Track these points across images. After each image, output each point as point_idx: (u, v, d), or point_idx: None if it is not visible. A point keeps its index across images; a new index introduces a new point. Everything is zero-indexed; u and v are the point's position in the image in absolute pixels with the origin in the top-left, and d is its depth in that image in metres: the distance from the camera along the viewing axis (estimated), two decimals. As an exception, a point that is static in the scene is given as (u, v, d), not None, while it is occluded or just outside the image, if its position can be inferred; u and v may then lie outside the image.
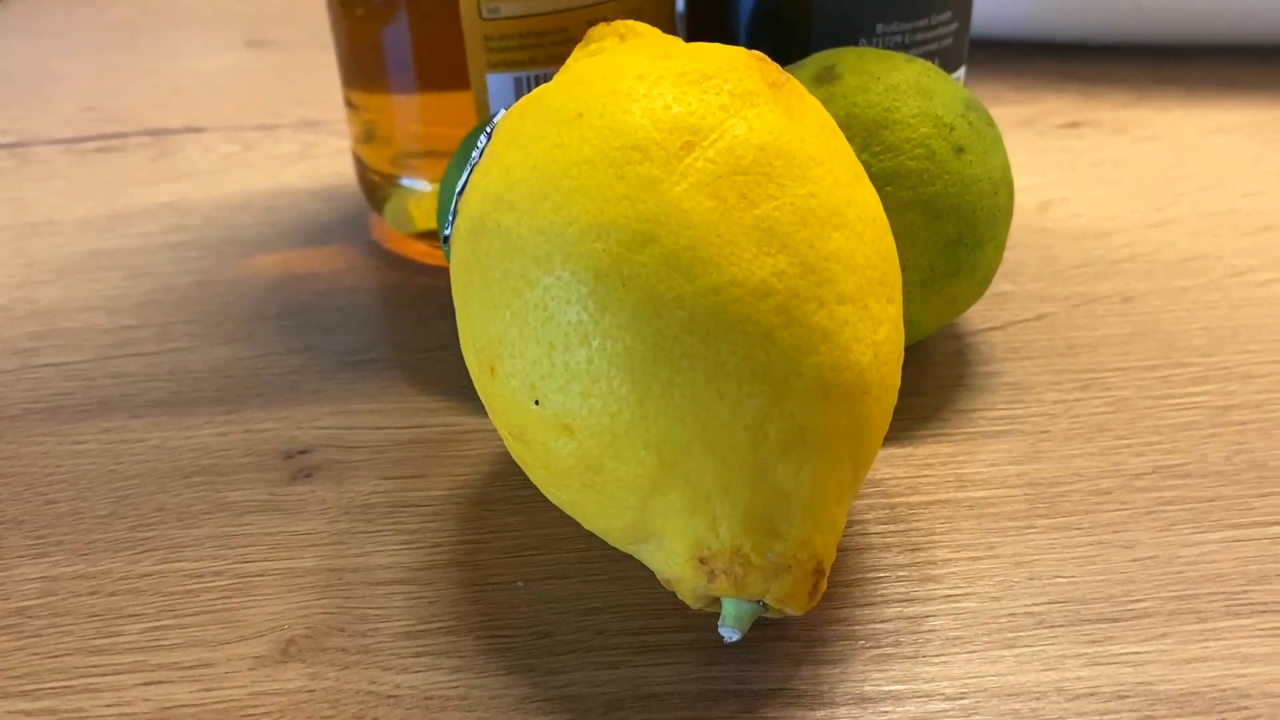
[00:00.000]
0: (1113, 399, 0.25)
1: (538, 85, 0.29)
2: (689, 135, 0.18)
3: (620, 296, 0.17)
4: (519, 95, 0.29)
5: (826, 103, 0.24)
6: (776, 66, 0.20)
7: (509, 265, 0.18)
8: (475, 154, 0.20)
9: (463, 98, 0.30)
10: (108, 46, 0.56)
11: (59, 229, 0.36)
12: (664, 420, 0.17)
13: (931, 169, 0.23)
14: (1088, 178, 0.37)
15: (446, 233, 0.21)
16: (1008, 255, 0.32)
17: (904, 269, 0.24)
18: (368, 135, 0.32)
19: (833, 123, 0.20)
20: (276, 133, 0.44)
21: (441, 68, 0.30)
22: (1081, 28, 0.47)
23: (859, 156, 0.24)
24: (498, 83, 0.29)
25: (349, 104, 0.33)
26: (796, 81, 0.20)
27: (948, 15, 0.30)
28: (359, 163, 0.33)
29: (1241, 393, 0.25)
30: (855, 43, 0.29)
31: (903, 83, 0.24)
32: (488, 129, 0.21)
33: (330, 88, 0.48)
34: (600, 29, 0.22)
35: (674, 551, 0.18)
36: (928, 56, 0.30)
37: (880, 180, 0.23)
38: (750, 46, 0.30)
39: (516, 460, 0.20)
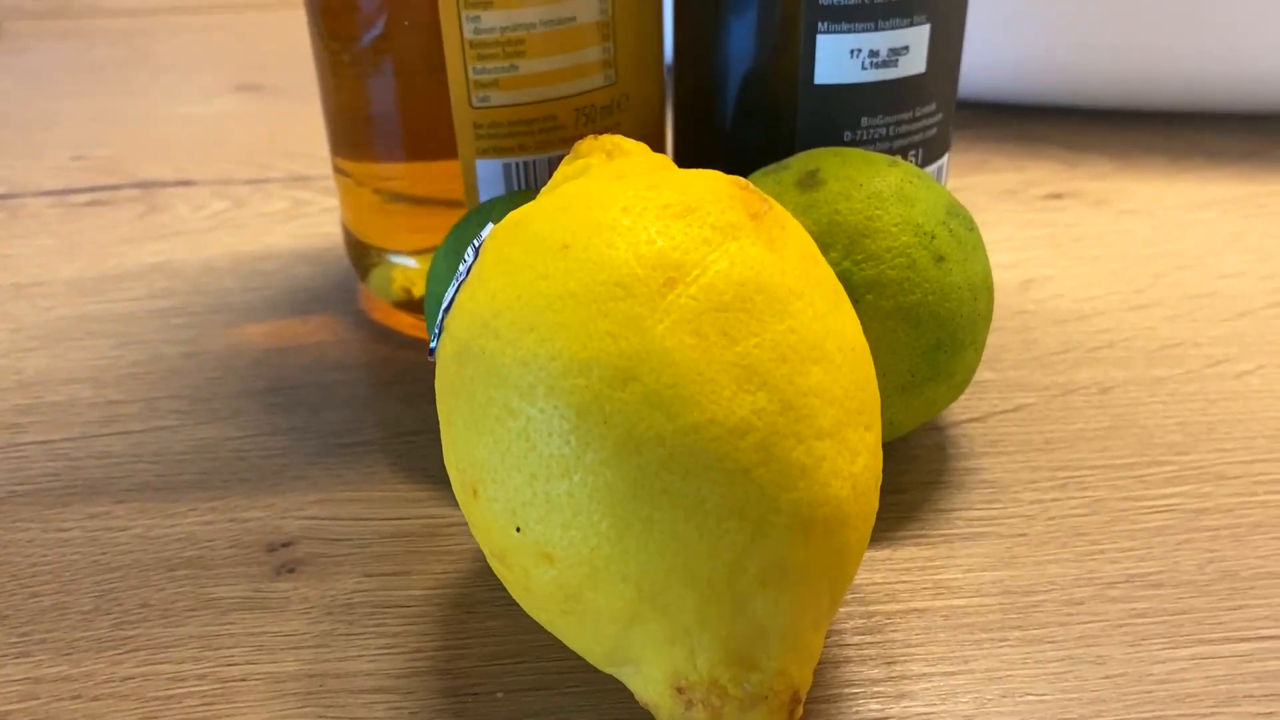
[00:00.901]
0: (1089, 500, 0.26)
1: (526, 172, 0.29)
2: (672, 271, 0.18)
3: (601, 433, 0.17)
4: (507, 182, 0.30)
5: (809, 208, 0.25)
6: (759, 195, 0.20)
7: (493, 393, 0.18)
8: (462, 270, 0.21)
9: (449, 167, 0.30)
10: (98, 88, 0.56)
11: (47, 291, 0.36)
12: (644, 555, 0.17)
13: (912, 278, 0.24)
14: (1069, 254, 0.37)
15: (433, 345, 0.21)
16: (989, 339, 0.32)
17: (884, 375, 0.24)
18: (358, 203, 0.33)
19: (814, 249, 0.20)
20: (266, 188, 0.44)
21: (430, 140, 0.30)
22: (1067, 92, 0.47)
23: (840, 264, 0.24)
24: (487, 168, 0.29)
25: (336, 169, 0.33)
26: (779, 207, 0.20)
27: (932, 107, 0.30)
28: (345, 229, 0.34)
29: (1215, 495, 0.26)
30: (840, 135, 0.29)
31: (885, 190, 0.25)
32: (475, 244, 0.21)
33: (320, 138, 0.48)
34: (588, 144, 0.22)
35: (652, 678, 0.18)
36: (912, 147, 0.30)
37: (862, 288, 0.24)
38: (736, 137, 0.30)
39: (498, 576, 0.20)
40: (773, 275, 0.19)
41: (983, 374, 0.31)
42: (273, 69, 0.59)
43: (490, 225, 0.21)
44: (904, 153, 0.30)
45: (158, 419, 0.30)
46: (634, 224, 0.19)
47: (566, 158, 0.22)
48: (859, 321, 0.20)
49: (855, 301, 0.24)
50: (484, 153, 0.29)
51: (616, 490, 0.17)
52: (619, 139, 0.22)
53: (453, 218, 0.31)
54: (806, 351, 0.18)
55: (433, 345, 0.21)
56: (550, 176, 0.30)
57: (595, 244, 0.18)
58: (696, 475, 0.17)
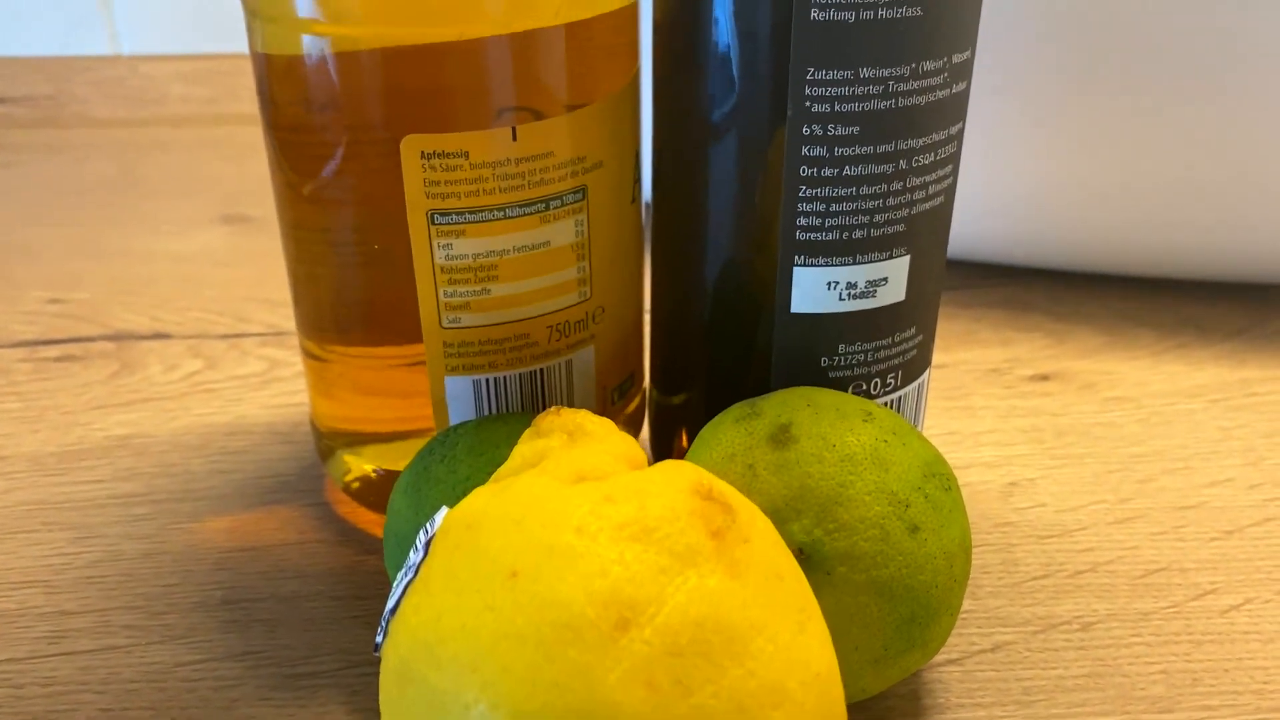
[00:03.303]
0: (1067, 771, 0.25)
1: (497, 388, 0.29)
2: (625, 610, 0.17)
3: (546, 790, 0.16)
4: (477, 398, 0.29)
5: (781, 469, 0.24)
6: (721, 506, 0.19)
7: (435, 728, 0.17)
8: (412, 561, 0.20)
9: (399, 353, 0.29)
10: (83, 215, 0.56)
11: (8, 468, 0.36)
12: None
13: (886, 550, 0.23)
14: (1054, 451, 0.36)
15: (379, 640, 0.20)
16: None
17: (856, 649, 0.23)
18: (318, 387, 0.32)
19: (780, 562, 0.19)
20: (242, 345, 0.43)
21: (400, 328, 0.29)
22: (1056, 257, 0.47)
23: (812, 533, 0.23)
24: (456, 385, 0.29)
25: (303, 350, 0.32)
26: (743, 512, 0.20)
27: (912, 330, 0.29)
28: (311, 411, 0.33)
29: (1199, 767, 0.25)
30: (817, 361, 0.29)
31: (859, 452, 0.24)
32: (425, 535, 0.20)
33: (301, 290, 0.47)
34: (549, 421, 0.21)
35: None
36: (891, 371, 0.29)
37: (833, 560, 0.23)
38: (711, 365, 0.30)
39: None
40: (732, 609, 0.18)
41: (963, 603, 0.30)
42: (260, 195, 0.58)
43: (444, 510, 0.20)
44: (883, 377, 0.29)
45: (109, 636, 0.29)
46: (587, 549, 0.18)
47: (528, 432, 0.22)
48: (827, 635, 0.20)
49: (827, 573, 0.23)
50: (453, 370, 0.29)
51: None
52: (582, 419, 0.21)
53: (404, 410, 0.30)
54: (766, 697, 0.17)
55: (379, 640, 0.20)
56: (520, 397, 0.29)
57: (545, 574, 0.18)
58: (645, 839, 0.16)
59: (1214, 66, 0.39)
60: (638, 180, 0.30)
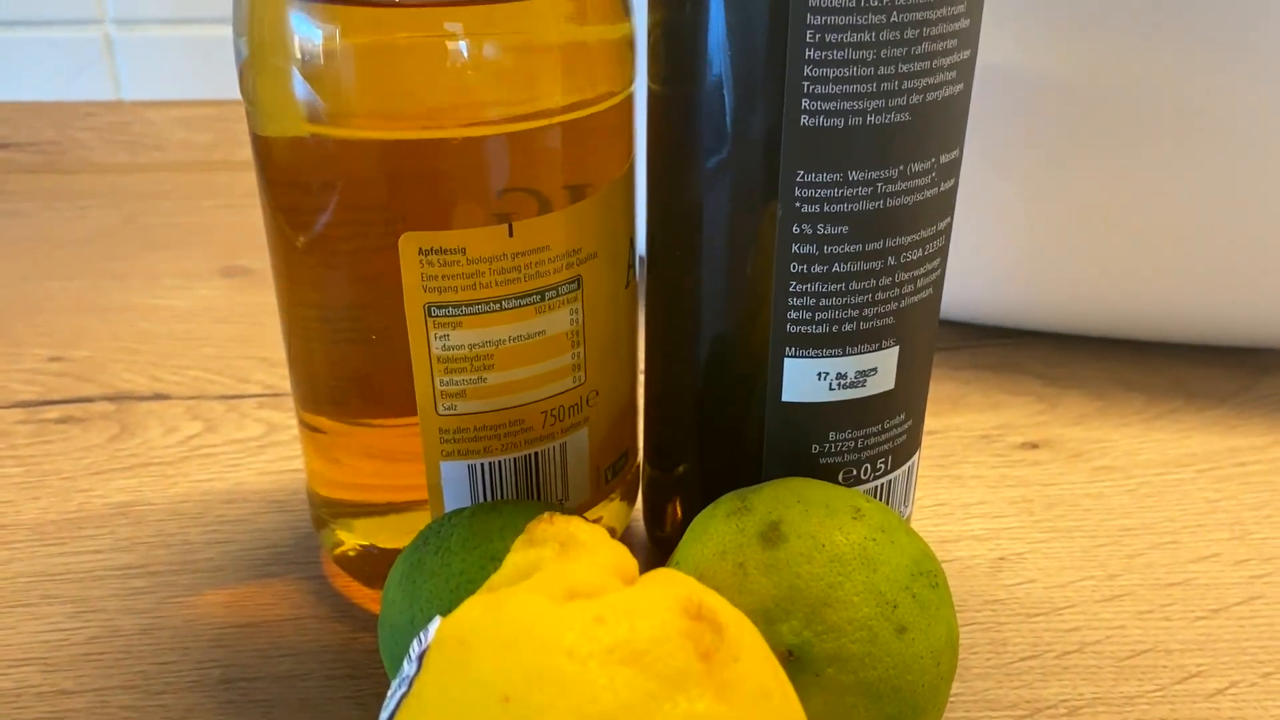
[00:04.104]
0: None
1: (492, 473, 0.29)
2: (614, 737, 0.18)
3: None
4: (472, 483, 0.29)
5: (771, 569, 0.24)
6: (710, 625, 0.20)
7: None
8: (406, 673, 0.20)
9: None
10: (85, 267, 0.56)
11: (9, 536, 0.36)
12: None
13: (874, 652, 0.23)
14: (1043, 524, 0.37)
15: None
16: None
17: (843, 748, 0.24)
18: (312, 455, 0.32)
19: (768, 680, 0.20)
20: (240, 406, 0.44)
21: (392, 402, 0.30)
22: (1047, 319, 0.48)
23: (801, 634, 0.23)
24: (451, 470, 0.29)
25: (299, 418, 0.32)
26: (732, 626, 0.20)
27: (901, 417, 0.30)
28: (307, 478, 0.33)
29: None
30: (808, 447, 0.29)
31: (848, 552, 0.24)
32: (419, 646, 0.20)
33: (299, 349, 0.48)
34: (542, 529, 0.22)
35: None
36: (881, 456, 0.30)
37: (822, 661, 0.23)
38: (704, 456, 0.30)
39: None
40: (719, 734, 0.18)
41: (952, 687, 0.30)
42: (259, 246, 0.59)
43: (438, 620, 0.21)
44: (873, 462, 0.30)
45: (107, 717, 0.29)
46: (578, 675, 0.18)
47: (521, 539, 0.22)
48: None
49: (816, 674, 0.23)
50: (449, 455, 0.29)
51: None
52: (574, 529, 0.22)
53: (395, 479, 0.31)
54: (751, 822, 0.18)
55: (375, 750, 0.21)
56: (515, 480, 0.30)
57: (537, 700, 0.18)
58: None
59: (1205, 132, 0.39)
60: (631, 265, 0.31)
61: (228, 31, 0.69)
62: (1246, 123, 0.39)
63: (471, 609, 0.20)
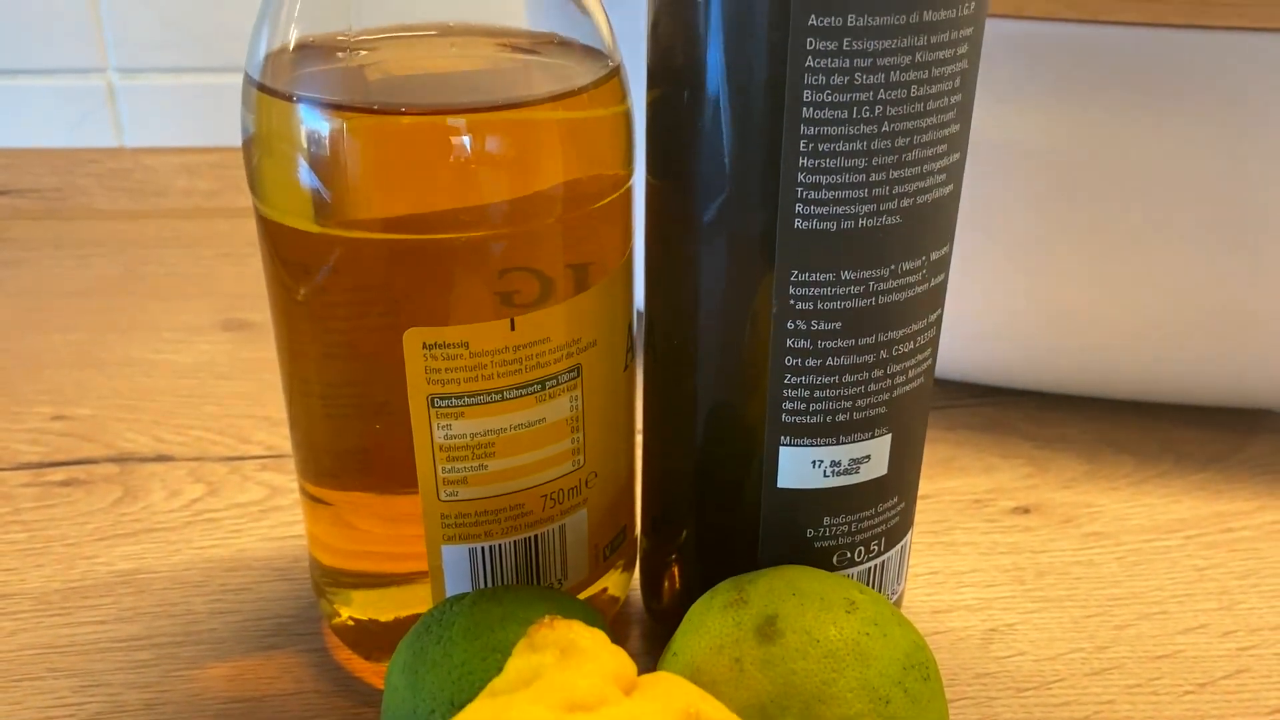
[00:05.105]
0: None
1: (492, 556, 0.30)
2: None
3: None
4: (473, 566, 0.30)
5: (767, 665, 0.25)
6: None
7: None
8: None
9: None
10: (86, 320, 0.57)
11: (14, 606, 0.36)
12: None
13: (865, 748, 0.24)
14: (1034, 593, 0.37)
15: None
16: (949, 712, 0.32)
17: (836, 842, 0.24)
18: (313, 524, 0.33)
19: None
20: (242, 469, 0.44)
21: (394, 475, 0.30)
22: (1038, 380, 0.48)
23: (795, 729, 0.24)
24: (453, 554, 0.30)
25: (300, 487, 0.33)
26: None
27: (894, 500, 0.31)
28: (308, 545, 0.34)
29: None
30: (803, 532, 0.30)
31: (842, 647, 0.25)
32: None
33: (300, 408, 0.48)
34: (543, 635, 0.22)
35: None
36: (875, 539, 0.31)
37: (815, 756, 0.24)
38: (699, 542, 0.31)
39: None
40: None
41: (942, 765, 0.31)
42: (260, 298, 0.59)
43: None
44: (866, 545, 0.31)
45: (111, 797, 0.30)
46: (579, 791, 0.19)
47: (523, 644, 0.23)
48: None
49: (808, 769, 0.24)
50: (450, 539, 0.30)
51: None
52: (575, 634, 0.22)
53: (393, 546, 0.31)
54: None
55: None
56: (515, 562, 0.30)
57: (539, 817, 0.18)
58: None
59: (1191, 197, 0.40)
60: (630, 350, 0.32)
61: (229, 79, 0.69)
62: (1232, 188, 0.40)
63: (475, 715, 0.21)
